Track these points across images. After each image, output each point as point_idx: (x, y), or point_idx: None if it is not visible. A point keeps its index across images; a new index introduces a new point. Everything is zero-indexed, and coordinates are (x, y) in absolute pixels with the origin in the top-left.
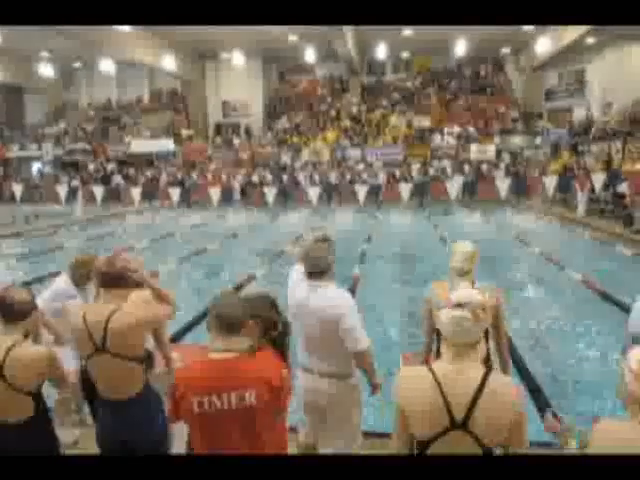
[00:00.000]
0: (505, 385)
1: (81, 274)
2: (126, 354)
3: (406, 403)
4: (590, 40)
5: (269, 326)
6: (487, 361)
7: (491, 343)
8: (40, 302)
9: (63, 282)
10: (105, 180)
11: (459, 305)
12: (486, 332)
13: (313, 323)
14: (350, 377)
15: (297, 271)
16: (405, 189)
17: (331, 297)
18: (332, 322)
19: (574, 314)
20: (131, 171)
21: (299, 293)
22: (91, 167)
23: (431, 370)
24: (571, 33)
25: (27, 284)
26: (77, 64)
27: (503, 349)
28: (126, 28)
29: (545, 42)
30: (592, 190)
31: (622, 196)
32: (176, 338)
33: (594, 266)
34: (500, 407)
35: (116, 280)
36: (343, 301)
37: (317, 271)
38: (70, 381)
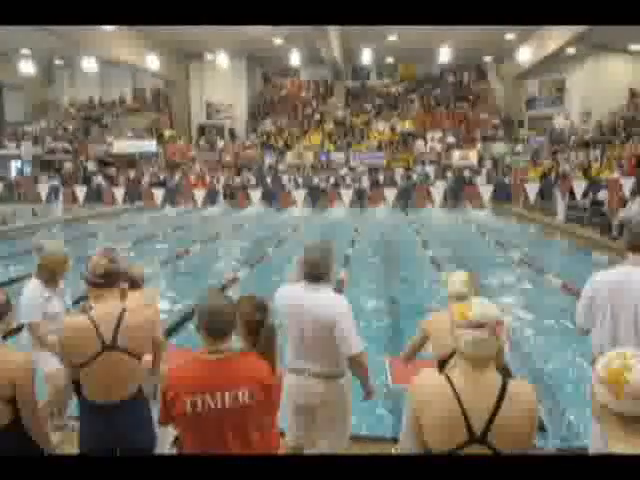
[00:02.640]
0: (524, 390)
1: (51, 274)
2: (135, 351)
3: (422, 413)
4: (570, 50)
5: (252, 329)
6: None
7: None
8: (30, 314)
9: (31, 289)
10: (85, 180)
11: (479, 325)
12: None
13: (307, 325)
14: (341, 377)
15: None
16: (389, 194)
17: (327, 300)
18: (327, 325)
19: (553, 318)
20: (112, 171)
21: (293, 294)
22: (69, 166)
23: (449, 380)
24: (552, 43)
25: (3, 285)
26: (59, 62)
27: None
28: (109, 27)
29: (527, 51)
30: (572, 197)
31: (601, 203)
32: None
33: (572, 272)
34: (520, 415)
35: (105, 280)
36: (339, 305)
37: (316, 274)
38: (55, 382)
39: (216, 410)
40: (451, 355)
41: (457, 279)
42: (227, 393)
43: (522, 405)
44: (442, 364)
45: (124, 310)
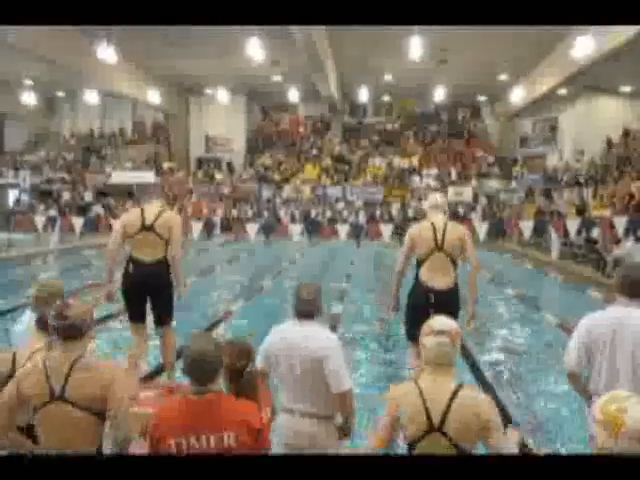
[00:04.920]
0: (473, 397)
1: (47, 307)
2: (85, 405)
3: (399, 410)
4: (562, 91)
5: (234, 376)
6: (455, 284)
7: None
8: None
9: (29, 321)
10: (83, 210)
11: (441, 332)
12: (454, 262)
13: (298, 362)
14: (332, 418)
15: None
16: (386, 229)
17: (317, 337)
18: (317, 362)
19: (549, 356)
20: (110, 202)
21: (285, 333)
22: (68, 196)
23: (416, 383)
24: (544, 84)
25: None
26: (60, 93)
27: (473, 273)
28: (111, 60)
29: (519, 92)
30: (566, 234)
31: (595, 241)
32: (150, 377)
33: (567, 309)
34: (468, 414)
35: (69, 331)
36: (329, 341)
37: (307, 313)
38: None
39: (201, 452)
40: (429, 253)
41: (434, 197)
42: (212, 435)
43: (468, 407)
44: (420, 263)
45: (78, 359)
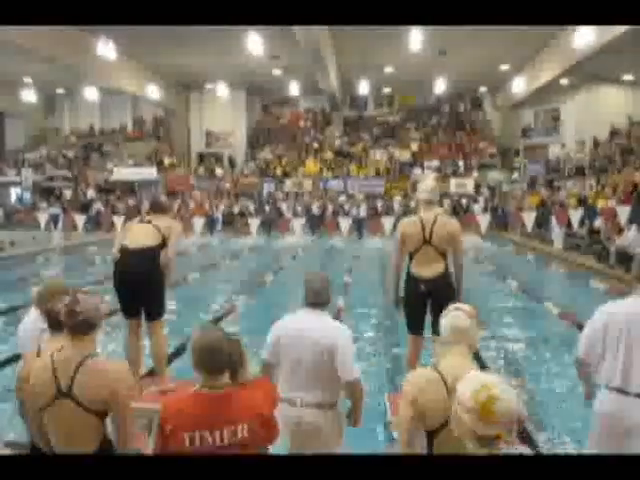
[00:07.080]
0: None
1: (51, 304)
2: (91, 405)
3: (421, 398)
4: (564, 81)
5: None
6: (446, 272)
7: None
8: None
9: (30, 321)
10: (85, 207)
11: (456, 309)
12: (444, 254)
13: (307, 351)
14: (334, 407)
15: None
16: (387, 222)
17: (329, 327)
18: (328, 351)
19: (552, 346)
20: (112, 198)
21: (295, 322)
22: (69, 194)
23: (438, 372)
24: (545, 74)
25: (1, 314)
26: (60, 90)
27: (458, 263)
28: (111, 57)
29: (521, 82)
30: (569, 225)
31: (598, 231)
32: (154, 372)
33: (570, 300)
34: None
35: (80, 327)
36: (340, 331)
37: (319, 302)
38: None
39: (214, 446)
40: (418, 247)
41: (425, 185)
42: (226, 429)
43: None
44: (410, 256)
45: (87, 357)
